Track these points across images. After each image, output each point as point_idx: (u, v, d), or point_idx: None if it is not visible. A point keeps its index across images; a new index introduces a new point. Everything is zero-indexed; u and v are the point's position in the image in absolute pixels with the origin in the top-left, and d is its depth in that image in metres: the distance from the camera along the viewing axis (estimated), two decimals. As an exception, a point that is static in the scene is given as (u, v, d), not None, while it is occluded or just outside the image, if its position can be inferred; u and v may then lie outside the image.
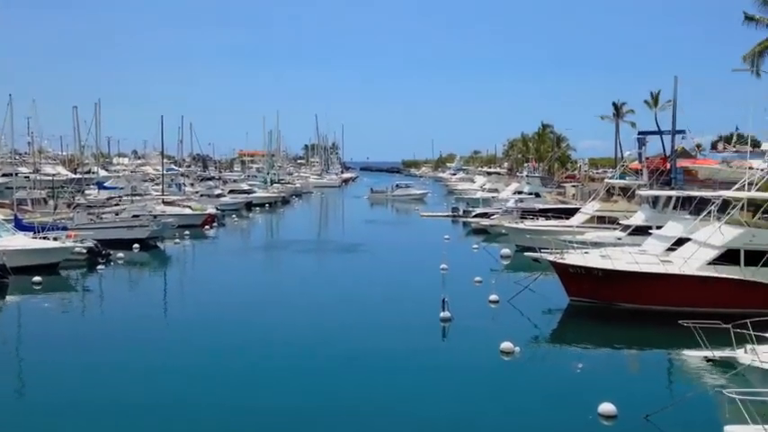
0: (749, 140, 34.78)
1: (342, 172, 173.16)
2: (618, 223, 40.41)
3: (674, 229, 31.61)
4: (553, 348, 23.81)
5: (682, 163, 56.79)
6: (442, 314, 24.98)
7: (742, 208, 28.11)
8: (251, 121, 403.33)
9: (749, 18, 44.72)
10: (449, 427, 15.90)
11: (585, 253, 29.10)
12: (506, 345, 21.20)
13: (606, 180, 54.20)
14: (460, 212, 65.76)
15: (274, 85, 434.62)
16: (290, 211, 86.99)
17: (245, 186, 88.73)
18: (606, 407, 15.76)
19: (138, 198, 60.66)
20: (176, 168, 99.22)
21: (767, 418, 11.32)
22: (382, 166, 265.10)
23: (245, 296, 31.36)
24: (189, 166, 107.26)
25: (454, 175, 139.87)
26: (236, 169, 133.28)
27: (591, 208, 46.03)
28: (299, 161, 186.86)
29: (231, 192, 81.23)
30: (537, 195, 67.47)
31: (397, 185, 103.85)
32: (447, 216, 68.23)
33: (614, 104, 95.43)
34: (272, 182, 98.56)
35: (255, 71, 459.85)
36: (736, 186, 29.65)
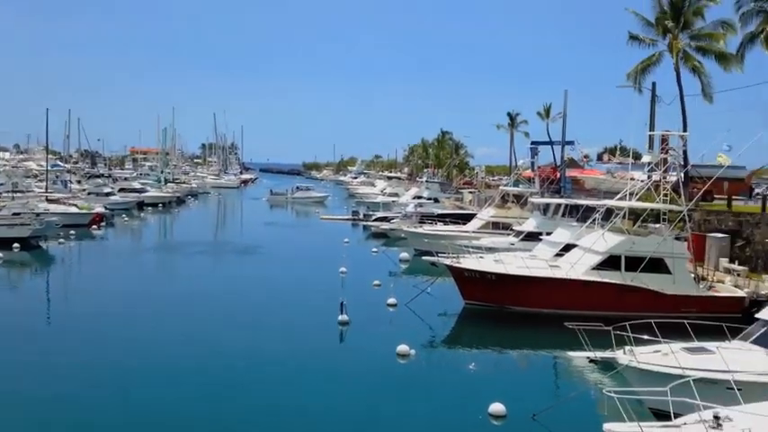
0: (631, 153, 37.09)
1: (241, 173, 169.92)
2: (511, 229, 41.96)
3: (562, 235, 33.17)
4: (448, 350, 24.31)
5: (570, 173, 59.68)
6: (340, 317, 24.97)
7: (624, 216, 29.89)
8: (145, 118, 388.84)
9: (633, 37, 47.70)
10: (344, 430, 15.89)
11: (480, 257, 29.97)
12: (402, 347, 21.48)
13: (501, 187, 56.08)
14: (361, 216, 66.12)
15: (171, 82, 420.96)
16: (185, 211, 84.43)
17: (136, 185, 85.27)
18: (496, 407, 16.27)
19: (19, 195, 57.03)
20: (62, 165, 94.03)
21: (642, 415, 12.06)
22: (283, 167, 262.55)
23: (131, 301, 29.85)
24: (76, 163, 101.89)
25: (355, 178, 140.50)
26: (127, 167, 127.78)
27: (486, 214, 47.50)
28: (195, 160, 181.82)
29: (122, 190, 77.84)
30: (436, 201, 68.85)
31: (297, 188, 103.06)
32: (347, 219, 68.37)
33: (509, 114, 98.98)
34: (167, 181, 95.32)
35: (151, 66, 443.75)
36: (619, 196, 31.50)
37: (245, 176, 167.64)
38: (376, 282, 32.61)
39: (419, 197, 68.88)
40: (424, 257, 31.43)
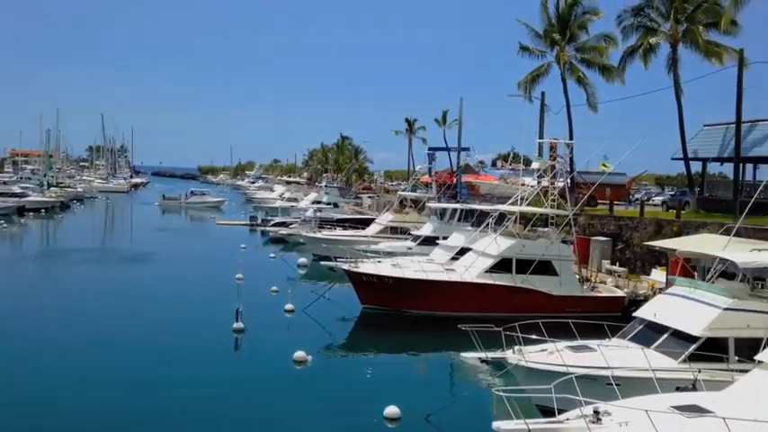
0: (522, 159, 38.55)
1: (131, 176, 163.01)
2: (409, 234, 42.62)
3: (457, 239, 34.01)
4: (345, 355, 24.27)
5: (466, 178, 61.27)
6: (235, 325, 24.41)
7: (515, 221, 30.99)
8: (26, 120, 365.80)
9: (524, 48, 49.72)
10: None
11: (378, 262, 30.20)
12: (299, 354, 21.28)
13: (400, 192, 56.77)
14: (259, 221, 65.06)
15: (55, 81, 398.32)
16: (70, 217, 79.94)
17: (16, 189, 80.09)
18: (391, 409, 16.40)
19: None
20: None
21: (529, 412, 12.48)
22: (177, 171, 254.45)
23: (8, 312, 27.95)
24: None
25: (253, 183, 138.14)
26: (6, 170, 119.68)
27: (385, 219, 47.95)
28: (82, 164, 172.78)
29: (0, 195, 72.85)
30: (335, 205, 68.85)
31: (191, 192, 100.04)
32: (245, 225, 67.06)
33: (408, 121, 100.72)
34: (50, 185, 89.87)
35: (33, 65, 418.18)
36: (510, 201, 32.66)
37: (136, 180, 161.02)
38: (273, 288, 32.14)
39: (318, 202, 68.63)
40: (322, 262, 31.34)
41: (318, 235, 45.81)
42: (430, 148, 64.04)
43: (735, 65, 35.07)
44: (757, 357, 13.58)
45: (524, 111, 49.85)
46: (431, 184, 54.54)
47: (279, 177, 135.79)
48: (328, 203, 68.05)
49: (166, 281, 37.20)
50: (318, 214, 57.09)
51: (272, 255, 46.00)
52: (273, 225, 57.29)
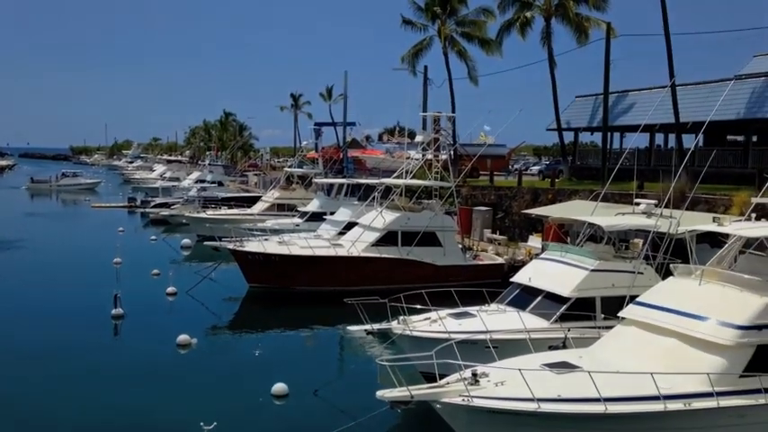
0: (406, 133, 39.00)
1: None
2: (296, 210, 42.29)
3: (344, 214, 34.11)
4: (232, 336, 23.85)
5: (353, 153, 61.55)
6: (113, 311, 23.40)
7: (400, 194, 31.43)
8: None
9: (406, 21, 50.14)
10: (120, 427, 14.90)
11: (265, 240, 29.75)
12: (183, 337, 20.71)
13: (286, 169, 56.14)
14: (138, 203, 62.32)
15: None
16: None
17: None
18: (278, 387, 16.33)
19: None
20: None
21: (415, 380, 12.79)
22: (47, 152, 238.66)
23: None
24: None
25: (131, 163, 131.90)
26: None
27: (271, 196, 47.31)
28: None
29: None
30: (220, 184, 67.11)
31: (63, 174, 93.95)
32: (123, 207, 64.04)
33: (293, 96, 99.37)
34: None
35: None
36: (395, 174, 33.08)
37: (1, 163, 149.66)
38: (155, 271, 31.00)
39: (202, 181, 66.57)
40: (206, 243, 30.47)
41: (202, 215, 44.51)
42: (316, 124, 63.86)
43: (604, 38, 36.95)
44: (620, 314, 14.56)
45: (409, 84, 50.58)
46: (317, 159, 54.31)
47: (159, 156, 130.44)
48: (212, 182, 66.20)
49: (36, 269, 34.84)
50: (202, 193, 55.46)
51: (153, 237, 44.26)
52: (154, 206, 55.05)
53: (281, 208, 44.94)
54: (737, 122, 36.47)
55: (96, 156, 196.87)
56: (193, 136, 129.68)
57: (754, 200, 16.19)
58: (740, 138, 40.85)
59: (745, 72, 37.93)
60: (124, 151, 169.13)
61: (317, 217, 37.87)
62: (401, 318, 17.04)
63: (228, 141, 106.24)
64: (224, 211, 45.97)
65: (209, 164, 77.28)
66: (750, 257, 14.67)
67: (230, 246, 28.61)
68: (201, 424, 11.78)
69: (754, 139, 37.72)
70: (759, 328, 12.46)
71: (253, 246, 28.80)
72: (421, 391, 11.91)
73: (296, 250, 28.25)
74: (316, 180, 46.17)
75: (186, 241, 40.70)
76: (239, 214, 44.49)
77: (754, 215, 15.67)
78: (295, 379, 16.88)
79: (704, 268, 14.14)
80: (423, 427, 13.95)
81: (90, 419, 15.16)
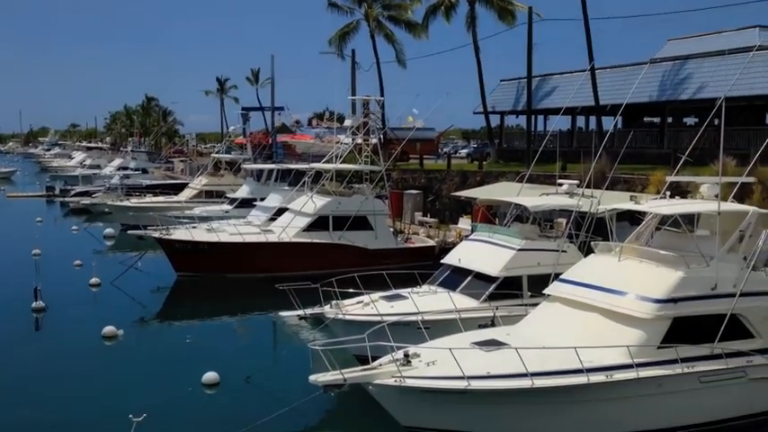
0: (335, 117, 38.90)
1: None
2: (225, 197, 41.56)
3: (274, 200, 33.77)
4: (160, 326, 23.34)
5: (282, 138, 60.79)
6: (33, 304, 22.51)
7: (331, 179, 31.33)
8: None
9: (332, 4, 49.74)
10: (45, 423, 14.37)
11: (192, 228, 29.13)
12: (109, 329, 20.16)
13: (213, 155, 55.02)
14: (57, 192, 59.78)
15: None
16: None
17: None
18: (209, 376, 16.11)
19: None
20: None
21: (347, 363, 12.85)
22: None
23: None
24: None
25: (48, 150, 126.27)
26: None
27: (199, 183, 46.28)
28: None
29: None
30: (144, 171, 65.08)
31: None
32: (41, 196, 61.39)
33: (218, 80, 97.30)
34: None
35: None
36: (325, 159, 32.93)
37: None
38: (77, 262, 29.90)
39: (125, 168, 64.42)
40: (131, 232, 29.59)
41: (126, 203, 43.15)
42: (243, 109, 62.61)
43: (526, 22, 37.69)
44: (545, 291, 15.03)
45: (337, 68, 50.21)
46: (246, 145, 53.42)
47: (78, 143, 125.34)
48: (136, 169, 64.12)
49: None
50: (125, 181, 53.65)
51: (74, 227, 42.69)
52: (74, 195, 52.92)
53: (210, 195, 44.06)
54: (653, 105, 38.05)
55: (11, 143, 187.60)
56: (114, 122, 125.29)
57: (669, 178, 16.93)
58: (656, 119, 42.61)
59: (660, 56, 39.54)
60: (41, 138, 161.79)
61: (246, 203, 37.34)
62: (333, 302, 17.08)
63: (152, 127, 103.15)
64: (149, 199, 44.69)
65: (132, 150, 74.84)
66: (665, 234, 15.37)
67: (156, 234, 27.91)
68: (130, 416, 11.49)
69: (669, 120, 39.46)
70: (675, 301, 13.11)
71: (180, 234, 28.18)
72: (354, 373, 12.00)
73: (225, 237, 27.82)
74: (244, 166, 45.43)
75: (109, 231, 39.43)
76: (165, 202, 43.33)
77: (668, 193, 16.43)
78: (226, 367, 16.68)
79: (623, 245, 14.74)
80: (357, 410, 14.05)
81: (13, 416, 14.55)
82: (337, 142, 34.38)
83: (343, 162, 31.87)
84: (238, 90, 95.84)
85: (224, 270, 27.32)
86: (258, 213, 33.14)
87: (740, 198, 17.94)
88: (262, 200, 35.06)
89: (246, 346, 21.17)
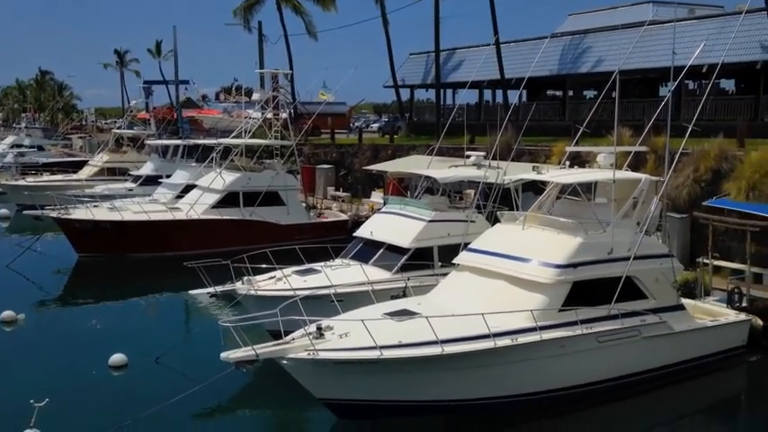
0: (243, 91, 38.07)
1: None
2: (128, 174, 40.02)
3: (181, 177, 32.82)
4: (63, 309, 22.38)
5: (188, 113, 58.92)
6: None
7: (240, 154, 30.74)
8: None
9: (237, -25, 48.32)
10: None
11: (94, 206, 27.91)
12: (7, 313, 19.23)
13: (114, 130, 52.78)
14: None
15: None
16: None
17: None
18: (117, 358, 15.66)
19: None
20: None
21: (261, 339, 12.77)
22: None
23: None
24: None
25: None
26: None
27: (100, 160, 44.31)
28: None
29: None
30: (40, 149, 61.68)
31: None
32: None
33: (117, 52, 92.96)
34: None
35: None
36: (234, 134, 32.25)
37: None
38: (-33, 246, 28.18)
39: (19, 145, 60.78)
40: (26, 212, 28.08)
41: (21, 182, 40.79)
42: (145, 82, 59.93)
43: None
44: (454, 261, 15.42)
45: (244, 41, 49.27)
46: (149, 120, 51.50)
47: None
48: (31, 147, 60.64)
49: None
50: (20, 159, 50.74)
51: (-38, 210, 40.02)
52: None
53: (112, 172, 42.30)
54: (555, 78, 39.33)
55: None
56: (5, 97, 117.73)
57: (568, 149, 17.65)
58: (558, 93, 44.12)
59: (560, 30, 40.83)
60: None
61: (151, 180, 36.08)
62: (245, 278, 16.88)
63: (47, 102, 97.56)
64: (46, 178, 42.45)
65: (27, 127, 70.63)
66: (566, 202, 16.06)
67: (54, 214, 26.61)
68: (32, 401, 11.05)
69: (570, 93, 40.94)
70: (574, 266, 13.76)
71: (80, 213, 26.97)
72: (266, 348, 11.94)
73: (129, 216, 26.87)
74: (148, 142, 43.81)
75: (4, 212, 37.34)
76: (64, 180, 41.28)
77: (567, 163, 17.14)
78: (135, 349, 16.22)
79: (526, 214, 15.30)
80: (271, 386, 14.03)
81: None
82: (246, 117, 33.69)
83: (252, 137, 31.33)
84: (140, 64, 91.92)
85: (129, 250, 26.41)
86: (164, 191, 32.16)
87: (635, 167, 18.96)
88: (168, 177, 34.00)
89: (156, 326, 20.61)
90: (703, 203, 19.44)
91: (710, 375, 15.24)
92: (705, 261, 18.12)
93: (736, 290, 16.67)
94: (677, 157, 16.38)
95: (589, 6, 44.38)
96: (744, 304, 16.41)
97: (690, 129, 15.59)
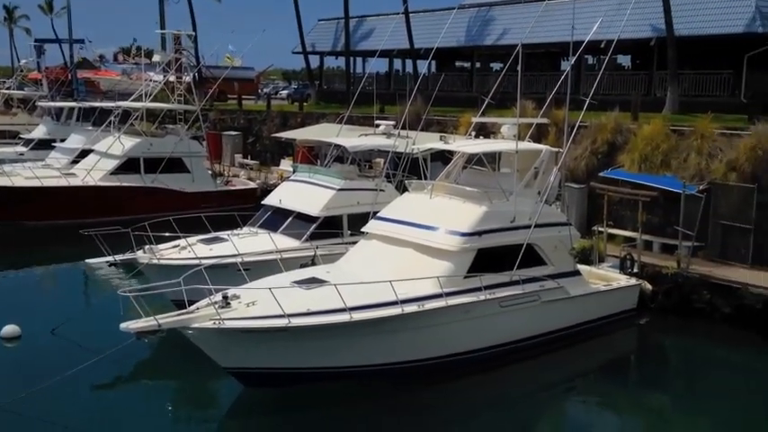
0: (143, 52, 36.33)
1: None
2: (19, 138, 37.70)
3: (76, 141, 31.23)
4: (-54, 281, 20.93)
5: (83, 74, 55.79)
6: None
7: (141, 118, 29.46)
8: None
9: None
10: None
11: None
12: None
13: (3, 91, 49.36)
14: None
15: None
16: None
17: None
18: (8, 329, 14.92)
19: None
20: None
21: (165, 310, 12.41)
22: None
23: None
24: None
25: None
26: None
27: (-14, 122, 41.40)
28: None
29: None
30: None
31: None
32: None
33: (6, 8, 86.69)
34: None
35: None
36: (134, 97, 30.83)
37: None
38: None
39: None
40: None
41: None
42: (36, 40, 56.13)
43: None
44: (363, 229, 15.49)
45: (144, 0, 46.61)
46: (41, 80, 48.47)
47: None
48: None
49: None
50: None
51: None
52: None
53: (1, 135, 39.64)
54: (462, 49, 39.79)
55: None
56: None
57: (474, 120, 17.98)
58: (467, 64, 44.72)
59: (468, 2, 41.23)
60: None
61: (44, 144, 34.07)
62: (147, 247, 16.32)
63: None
64: None
65: None
66: (471, 172, 16.41)
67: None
68: None
69: (478, 65, 41.59)
70: (479, 234, 14.13)
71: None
72: (169, 318, 11.64)
73: (20, 182, 25.33)
74: (40, 103, 41.26)
75: None
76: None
77: (473, 133, 17.48)
78: (29, 320, 15.46)
79: (434, 183, 15.54)
80: (174, 356, 13.72)
81: None
82: (147, 80, 32.24)
83: (153, 101, 30.09)
84: (30, 21, 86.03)
85: (21, 218, 24.92)
86: (58, 155, 30.52)
87: (537, 138, 19.63)
88: (62, 141, 32.22)
89: (51, 297, 19.65)
90: (600, 174, 20.37)
91: (604, 337, 16.16)
92: (600, 229, 19.07)
93: (628, 256, 17.65)
94: (576, 129, 17.00)
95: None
96: (635, 270, 17.41)
97: (587, 102, 16.23)
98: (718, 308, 16.69)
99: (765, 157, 17.69)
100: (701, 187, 18.24)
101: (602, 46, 24.64)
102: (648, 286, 17.21)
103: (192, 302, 12.29)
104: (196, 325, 11.63)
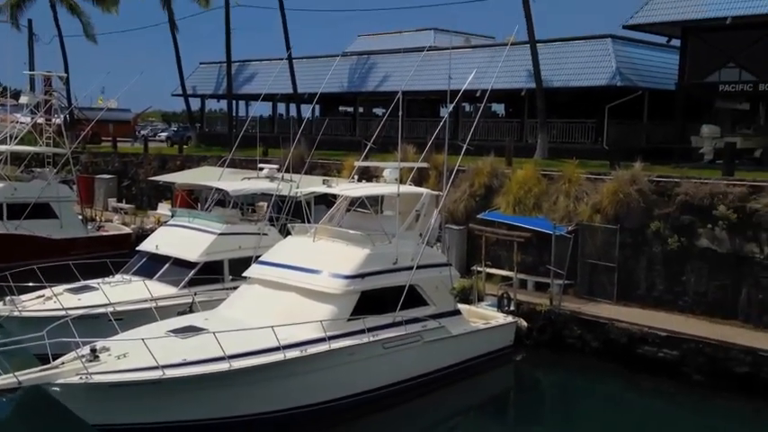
0: (9, 93, 34.36)
1: None
2: None
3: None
4: None
5: (-60, 113, 51.83)
6: None
7: (5, 162, 27.62)
8: None
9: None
10: None
11: None
12: None
13: None
14: None
15: None
16: None
17: None
18: None
19: None
20: None
21: (26, 365, 11.45)
22: None
23: None
24: None
25: None
26: None
27: None
28: None
29: None
30: None
31: None
32: None
33: None
34: None
35: None
36: (-1, 139, 28.90)
37: None
38: None
39: None
40: None
41: None
42: None
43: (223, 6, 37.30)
44: (245, 273, 15.16)
45: (13, 39, 44.33)
46: None
47: None
48: None
49: None
50: None
51: None
52: None
53: None
54: (345, 95, 40.56)
55: None
56: None
57: (357, 163, 18.22)
58: (350, 109, 45.52)
59: (350, 50, 42.25)
60: None
61: None
62: (8, 298, 15.15)
63: None
64: None
65: None
66: (354, 214, 16.55)
67: None
68: None
69: (361, 110, 42.47)
70: (362, 276, 14.19)
71: None
72: (30, 375, 10.77)
73: None
74: None
75: None
76: None
77: (356, 177, 17.70)
78: None
79: (317, 226, 15.52)
80: (37, 416, 12.66)
81: None
82: (13, 121, 30.37)
83: (20, 143, 28.30)
84: None
85: None
86: None
87: (418, 182, 20.14)
88: None
89: None
90: (478, 216, 21.16)
91: (483, 374, 16.55)
92: (479, 269, 19.70)
93: (504, 295, 18.30)
94: (455, 173, 17.61)
95: (378, 30, 46.26)
96: (511, 308, 18.07)
97: (465, 147, 16.87)
98: (587, 342, 17.58)
99: (626, 201, 19.02)
100: (569, 228, 19.34)
101: (478, 95, 25.92)
102: (524, 323, 17.86)
103: (57, 357, 11.45)
104: (61, 380, 10.82)
